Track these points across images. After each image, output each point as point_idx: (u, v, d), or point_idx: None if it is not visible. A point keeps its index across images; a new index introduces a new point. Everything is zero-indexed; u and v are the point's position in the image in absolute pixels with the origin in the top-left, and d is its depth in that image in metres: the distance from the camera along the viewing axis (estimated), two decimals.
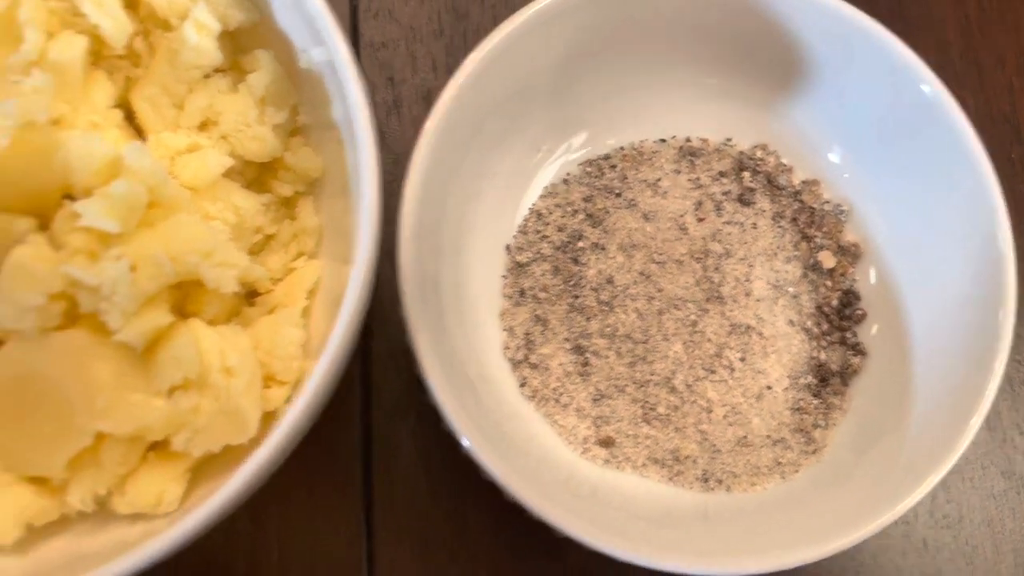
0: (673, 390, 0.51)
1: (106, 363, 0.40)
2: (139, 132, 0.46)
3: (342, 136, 0.45)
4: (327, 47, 0.41)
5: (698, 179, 0.56)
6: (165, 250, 0.40)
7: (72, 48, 0.42)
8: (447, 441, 0.53)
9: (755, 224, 0.55)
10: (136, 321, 0.40)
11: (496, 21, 0.51)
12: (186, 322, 0.41)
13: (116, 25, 0.43)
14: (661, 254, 0.54)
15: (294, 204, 0.49)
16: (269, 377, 0.43)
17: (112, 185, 0.39)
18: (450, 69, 0.48)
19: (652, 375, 0.52)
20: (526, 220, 0.55)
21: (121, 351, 0.40)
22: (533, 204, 0.55)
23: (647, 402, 0.51)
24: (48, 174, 0.41)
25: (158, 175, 0.40)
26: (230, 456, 0.43)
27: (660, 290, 0.53)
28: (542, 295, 0.53)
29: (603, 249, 0.54)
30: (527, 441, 0.50)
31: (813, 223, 0.55)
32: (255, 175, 0.48)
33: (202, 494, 0.43)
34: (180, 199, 0.42)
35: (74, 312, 0.40)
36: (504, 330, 0.53)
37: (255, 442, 0.41)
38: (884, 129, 0.53)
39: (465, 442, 0.44)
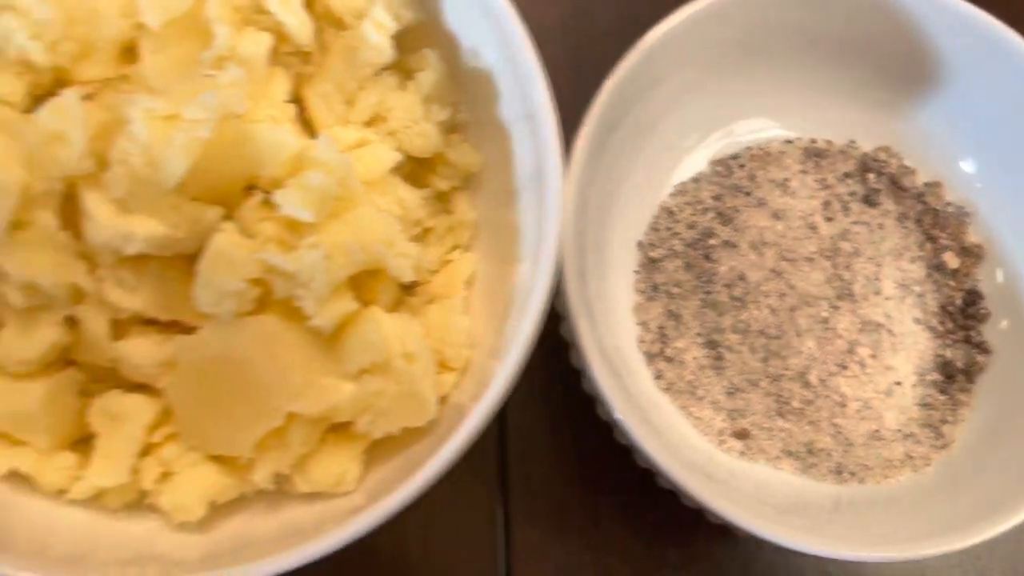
0: (807, 385, 0.53)
1: (297, 347, 0.42)
2: (309, 126, 0.47)
3: (509, 132, 0.46)
4: (511, 46, 0.42)
5: (824, 179, 0.57)
6: (354, 239, 0.42)
7: (258, 44, 0.44)
8: (580, 430, 0.55)
9: (881, 224, 0.56)
10: (327, 307, 0.41)
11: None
12: (368, 309, 0.43)
13: (300, 23, 0.44)
14: (791, 252, 0.55)
15: (449, 198, 0.50)
16: (440, 364, 0.45)
17: (307, 176, 0.41)
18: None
19: (786, 370, 0.53)
20: (657, 217, 0.56)
21: (310, 335, 0.42)
22: (663, 201, 0.57)
23: (780, 396, 0.53)
24: (238, 165, 0.42)
25: (346, 168, 0.42)
26: (398, 439, 0.44)
27: (792, 287, 0.54)
28: (675, 290, 0.55)
29: (734, 246, 0.55)
30: (667, 428, 0.52)
31: (937, 224, 0.57)
32: (412, 170, 0.49)
33: (376, 476, 0.44)
34: (359, 191, 0.44)
35: (266, 298, 0.42)
36: (638, 324, 0.54)
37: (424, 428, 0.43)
38: (1010, 132, 0.55)
39: (622, 421, 0.45)
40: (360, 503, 0.44)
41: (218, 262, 0.40)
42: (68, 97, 0.40)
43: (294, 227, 0.42)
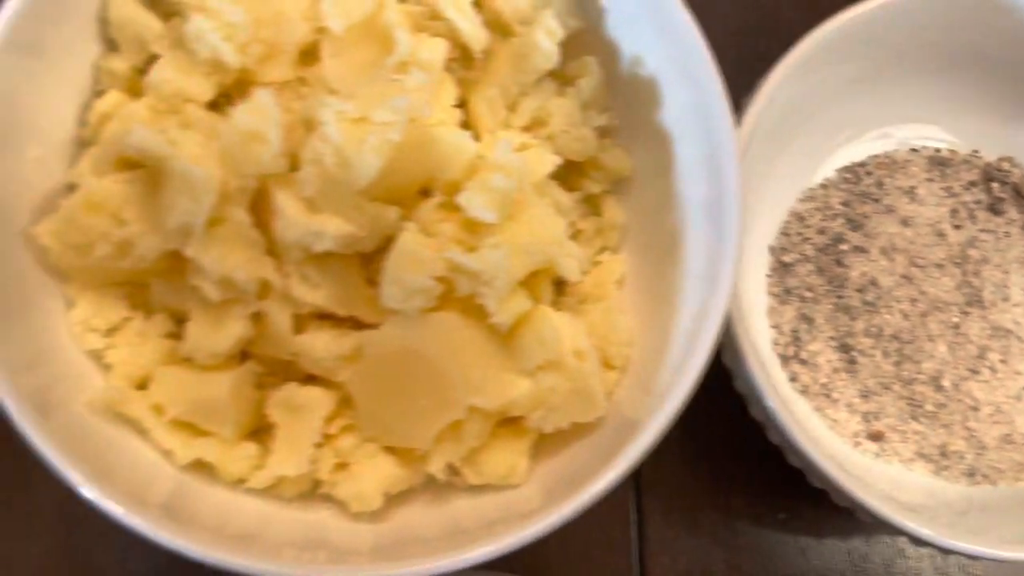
0: (939, 388, 0.54)
1: (476, 343, 0.43)
2: (470, 129, 0.48)
3: (669, 137, 0.47)
4: (691, 54, 0.43)
5: (950, 188, 0.58)
6: (531, 239, 0.43)
7: (435, 50, 0.45)
8: (712, 430, 0.56)
9: (1007, 232, 0.57)
10: (506, 305, 0.43)
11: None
12: (540, 307, 0.44)
13: (475, 30, 0.46)
14: (921, 258, 0.56)
15: (598, 201, 0.51)
16: (603, 362, 0.46)
17: (490, 179, 0.42)
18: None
19: (919, 374, 0.54)
20: (787, 222, 0.58)
21: (487, 332, 0.43)
22: (793, 207, 0.58)
23: (913, 399, 0.54)
24: (419, 167, 0.44)
25: (523, 170, 0.43)
26: (562, 433, 0.46)
27: (923, 293, 0.55)
28: (807, 294, 0.56)
29: (865, 252, 0.56)
30: (802, 427, 0.53)
31: None
32: (564, 173, 0.51)
33: (542, 469, 0.46)
34: (530, 193, 0.45)
35: (448, 295, 0.43)
36: (772, 327, 0.56)
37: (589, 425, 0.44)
38: None
39: (784, 422, 0.46)
40: (527, 496, 0.45)
41: (406, 260, 0.42)
42: (263, 97, 0.42)
43: (473, 227, 0.43)
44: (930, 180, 0.58)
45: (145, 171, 0.43)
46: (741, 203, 0.42)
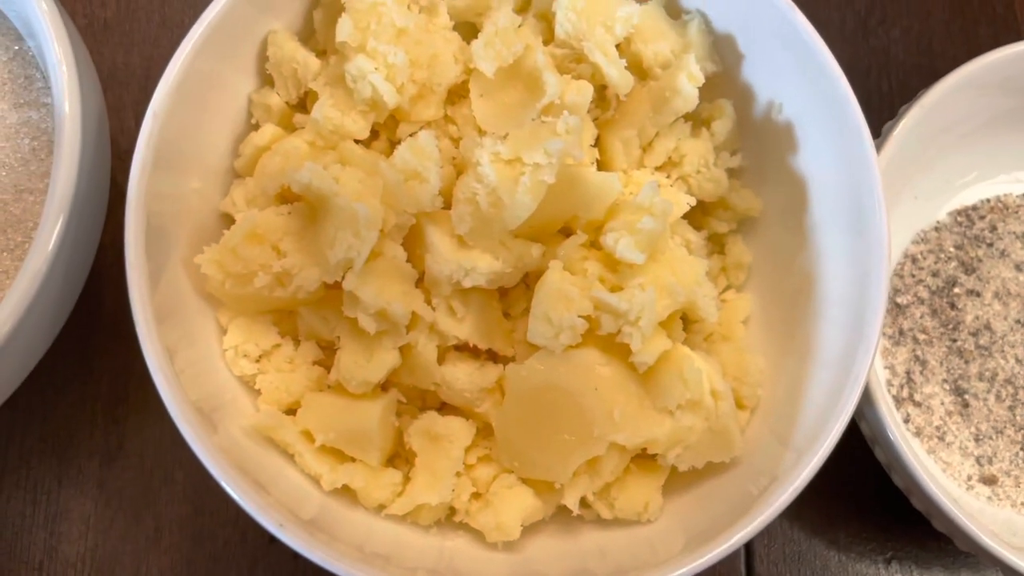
0: None
1: (618, 381, 0.44)
2: (603, 168, 0.50)
3: (802, 181, 0.48)
4: (837, 101, 0.44)
5: None
6: (675, 280, 0.44)
7: (582, 93, 0.46)
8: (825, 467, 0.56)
9: None
10: (649, 344, 0.43)
11: None
12: (678, 347, 0.45)
13: (621, 75, 0.47)
14: None
15: (722, 239, 0.52)
16: (736, 401, 0.47)
17: (640, 220, 0.43)
18: None
19: None
20: (901, 264, 0.58)
21: (628, 370, 0.44)
22: (907, 248, 0.58)
23: None
24: (566, 206, 0.45)
25: (668, 212, 0.44)
26: (692, 472, 0.46)
27: None
28: (921, 336, 0.56)
29: (978, 295, 0.57)
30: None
31: None
32: (690, 212, 0.52)
33: (671, 506, 0.46)
34: (668, 234, 0.46)
35: (590, 332, 0.44)
36: (885, 367, 0.56)
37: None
38: None
39: (905, 459, 0.47)
40: (658, 532, 0.46)
41: (553, 298, 0.43)
42: (425, 138, 0.43)
43: (616, 266, 0.44)
44: None
45: (303, 204, 0.44)
46: (888, 253, 0.43)
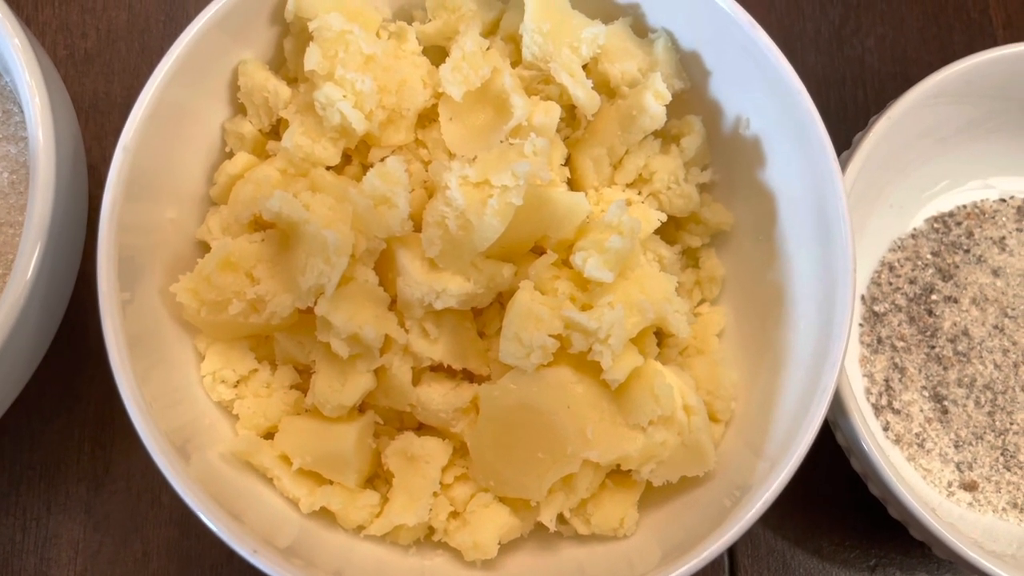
0: None
1: (590, 398, 0.44)
2: (574, 187, 0.50)
3: (771, 194, 0.48)
4: (801, 116, 0.44)
5: None
6: (644, 297, 0.44)
7: (550, 115, 0.47)
8: (805, 476, 0.57)
9: None
10: (620, 361, 0.44)
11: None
12: (650, 362, 0.46)
13: (588, 95, 0.47)
14: (1013, 309, 0.57)
15: (696, 254, 0.53)
16: (709, 415, 0.47)
17: (607, 239, 0.44)
18: None
19: (1012, 424, 0.55)
20: (879, 272, 0.58)
21: (600, 387, 0.45)
22: (884, 256, 0.59)
23: (1006, 449, 0.54)
24: (535, 227, 0.45)
25: (636, 230, 0.45)
26: (667, 486, 0.47)
27: (1015, 343, 0.56)
28: (899, 344, 0.57)
29: (956, 302, 0.57)
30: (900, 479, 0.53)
31: None
32: (662, 227, 0.52)
33: (647, 520, 0.47)
34: (638, 250, 0.46)
35: (562, 351, 0.44)
36: (864, 376, 0.56)
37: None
38: None
39: (888, 478, 0.47)
40: (635, 547, 0.46)
41: (524, 318, 0.43)
42: (393, 163, 0.44)
43: (586, 284, 0.45)
44: (1020, 230, 0.59)
45: (276, 231, 0.45)
46: (854, 264, 0.43)
